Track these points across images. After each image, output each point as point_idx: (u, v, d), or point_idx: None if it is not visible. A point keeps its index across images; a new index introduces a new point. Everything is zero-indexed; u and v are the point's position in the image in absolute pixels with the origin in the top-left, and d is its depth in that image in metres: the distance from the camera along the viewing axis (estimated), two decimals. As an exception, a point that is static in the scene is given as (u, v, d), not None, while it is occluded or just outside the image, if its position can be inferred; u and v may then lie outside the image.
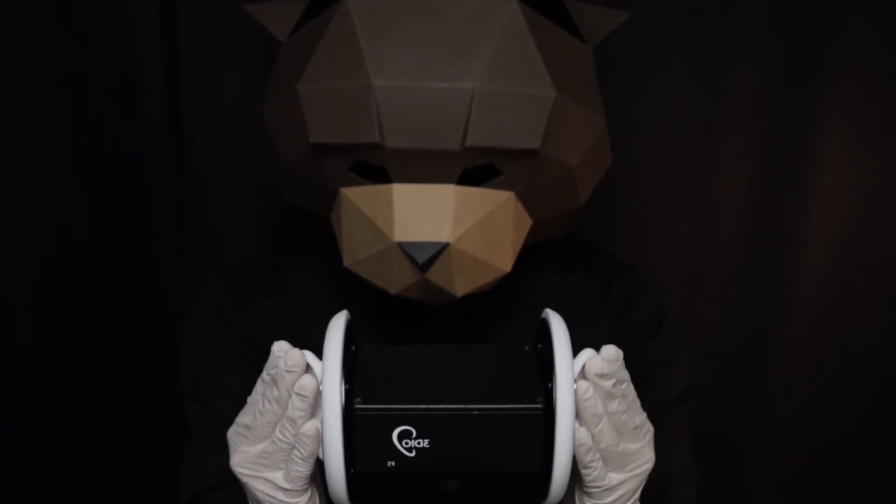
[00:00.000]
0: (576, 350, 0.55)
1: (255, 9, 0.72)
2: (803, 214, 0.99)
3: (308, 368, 0.54)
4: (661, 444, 0.60)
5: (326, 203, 0.68)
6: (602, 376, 0.54)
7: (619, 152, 0.76)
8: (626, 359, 0.74)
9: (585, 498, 0.58)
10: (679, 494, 0.73)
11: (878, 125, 0.96)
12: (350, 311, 0.58)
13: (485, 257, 0.64)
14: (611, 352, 0.54)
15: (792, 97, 0.95)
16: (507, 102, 0.62)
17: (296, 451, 0.54)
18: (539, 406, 0.52)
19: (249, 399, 0.57)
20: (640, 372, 0.74)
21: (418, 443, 0.51)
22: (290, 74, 0.66)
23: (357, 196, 0.64)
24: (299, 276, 0.77)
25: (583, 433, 0.54)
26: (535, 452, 0.53)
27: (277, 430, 0.54)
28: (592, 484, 0.56)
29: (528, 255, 0.72)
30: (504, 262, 0.65)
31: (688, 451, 0.75)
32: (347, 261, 0.66)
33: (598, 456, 0.55)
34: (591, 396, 0.53)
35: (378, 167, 0.63)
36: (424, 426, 0.51)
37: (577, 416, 0.54)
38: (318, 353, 0.54)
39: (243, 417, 0.57)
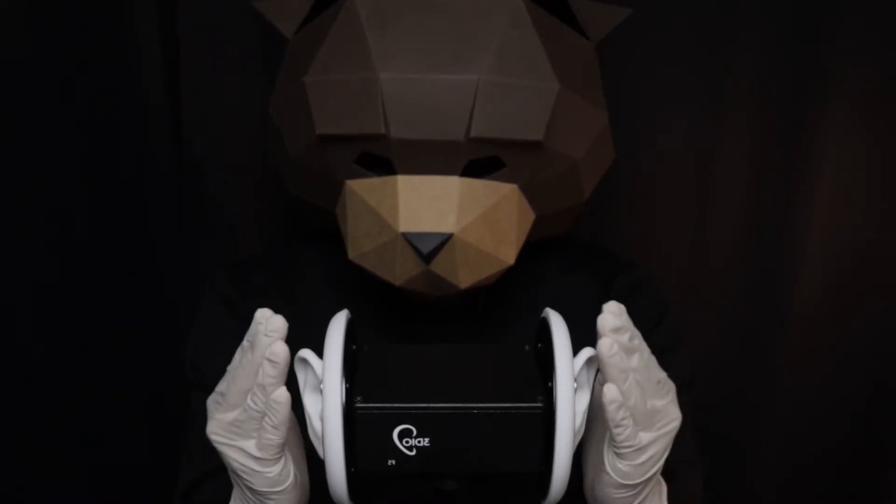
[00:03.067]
0: (576, 349, 0.55)
1: (262, 5, 0.73)
2: (803, 215, 1.00)
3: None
4: None
5: (332, 197, 0.68)
6: (618, 330, 0.52)
7: (619, 152, 0.76)
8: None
9: (617, 461, 0.55)
10: (686, 478, 0.72)
11: (879, 125, 0.96)
12: (354, 310, 0.58)
13: (489, 249, 0.64)
14: (613, 306, 0.53)
15: (791, 97, 0.95)
16: (511, 94, 0.62)
17: (266, 419, 0.52)
18: (539, 405, 0.52)
19: (229, 367, 0.56)
20: None
21: (418, 441, 0.51)
22: (298, 68, 0.67)
23: (362, 188, 0.65)
24: (305, 273, 0.77)
25: (613, 390, 0.52)
26: (535, 451, 0.53)
27: (249, 398, 0.53)
28: (625, 444, 0.54)
29: (529, 253, 0.72)
30: (508, 254, 0.66)
31: (693, 440, 0.75)
32: (352, 253, 0.66)
33: (628, 413, 0.53)
34: (615, 352, 0.52)
35: (383, 159, 0.64)
36: (425, 425, 0.51)
37: (604, 376, 0.52)
38: (320, 352, 0.54)
39: (221, 385, 0.56)
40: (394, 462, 0.52)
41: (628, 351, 0.53)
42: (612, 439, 0.54)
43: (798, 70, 0.94)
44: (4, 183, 0.94)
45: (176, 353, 0.80)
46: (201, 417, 0.72)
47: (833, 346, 1.05)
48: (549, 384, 0.53)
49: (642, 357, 0.54)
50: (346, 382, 0.53)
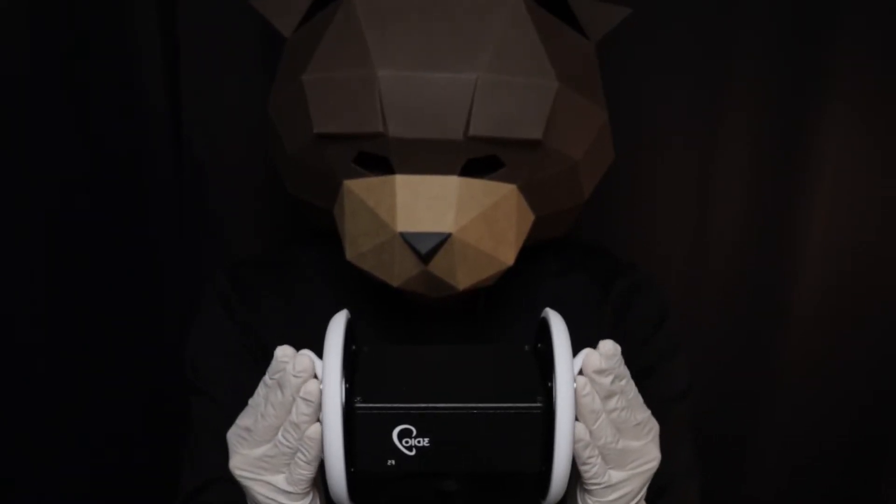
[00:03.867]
0: (576, 349, 0.55)
1: (261, 4, 0.73)
2: (803, 216, 0.99)
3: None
4: (663, 442, 0.59)
5: (330, 196, 0.68)
6: (600, 372, 0.53)
7: (619, 152, 0.76)
8: (626, 356, 0.75)
9: (587, 496, 0.57)
10: (681, 491, 0.73)
11: (879, 126, 0.96)
12: (354, 310, 0.58)
13: (487, 249, 0.64)
14: (608, 347, 0.54)
15: (792, 98, 0.95)
16: (511, 92, 0.62)
17: (299, 455, 0.54)
18: (539, 405, 0.52)
19: (251, 401, 0.57)
20: (641, 369, 0.75)
21: (418, 441, 0.51)
22: (296, 66, 0.67)
23: (360, 188, 0.64)
24: (305, 273, 0.77)
25: (580, 429, 0.53)
26: (534, 451, 0.53)
27: (280, 434, 0.54)
28: (592, 481, 0.55)
29: (529, 255, 0.72)
30: (507, 254, 0.66)
31: (690, 448, 0.75)
32: (350, 254, 0.66)
33: (596, 452, 0.54)
34: (588, 393, 0.53)
35: (381, 158, 0.63)
36: (424, 425, 0.51)
37: (576, 412, 0.53)
38: (319, 353, 0.54)
39: (244, 420, 0.56)
40: (393, 462, 0.52)
41: (608, 393, 0.54)
42: (581, 476, 0.56)
43: (798, 70, 0.94)
44: (4, 183, 0.94)
45: (176, 353, 0.80)
46: (201, 422, 0.73)
47: (833, 347, 1.05)
48: (549, 384, 0.53)
49: (624, 398, 0.55)
50: (345, 382, 0.53)
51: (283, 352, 0.54)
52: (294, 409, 0.53)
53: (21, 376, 1.01)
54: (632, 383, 0.57)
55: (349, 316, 0.57)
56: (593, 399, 0.53)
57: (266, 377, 0.55)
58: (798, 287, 1.02)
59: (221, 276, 0.77)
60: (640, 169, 0.98)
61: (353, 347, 0.58)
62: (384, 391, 0.53)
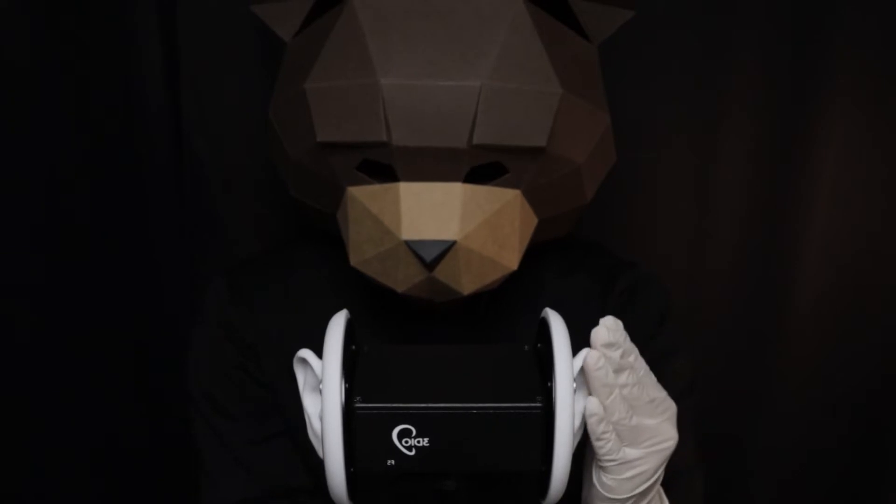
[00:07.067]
0: (576, 349, 0.55)
1: (261, 9, 0.73)
2: (803, 215, 0.99)
3: None
4: None
5: (333, 202, 0.68)
6: (608, 346, 0.53)
7: (619, 152, 0.76)
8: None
9: (602, 474, 0.56)
10: (685, 487, 0.73)
11: (879, 125, 0.96)
12: (354, 311, 0.58)
13: (492, 255, 0.64)
14: (609, 321, 0.54)
15: (792, 98, 0.95)
16: (514, 100, 0.62)
17: None
18: (538, 405, 0.52)
19: None
20: None
21: (418, 441, 0.52)
22: (297, 73, 0.66)
23: (364, 195, 0.64)
24: (305, 274, 0.77)
25: (594, 403, 0.53)
26: (534, 451, 0.53)
27: None
28: (606, 457, 0.55)
29: (530, 254, 0.72)
30: (511, 260, 0.65)
31: (694, 445, 0.75)
32: (354, 260, 0.66)
33: (610, 428, 0.54)
34: (601, 366, 0.53)
35: (385, 166, 0.63)
36: (424, 425, 0.51)
37: (588, 388, 0.54)
38: (319, 353, 0.54)
39: None
40: (393, 462, 0.52)
41: (619, 367, 0.54)
42: (595, 453, 0.56)
43: (798, 70, 0.94)
44: (4, 183, 0.94)
45: (175, 353, 0.80)
46: (210, 445, 0.73)
47: (834, 345, 1.05)
48: (549, 384, 0.53)
49: (635, 374, 0.55)
50: (345, 382, 0.53)
51: None
52: None
53: (21, 377, 1.01)
54: (641, 360, 0.57)
55: (349, 316, 0.57)
56: (606, 373, 0.53)
57: None
58: (798, 287, 1.02)
59: (220, 284, 0.76)
60: (640, 169, 0.98)
61: (353, 347, 0.58)
62: (384, 391, 0.53)
